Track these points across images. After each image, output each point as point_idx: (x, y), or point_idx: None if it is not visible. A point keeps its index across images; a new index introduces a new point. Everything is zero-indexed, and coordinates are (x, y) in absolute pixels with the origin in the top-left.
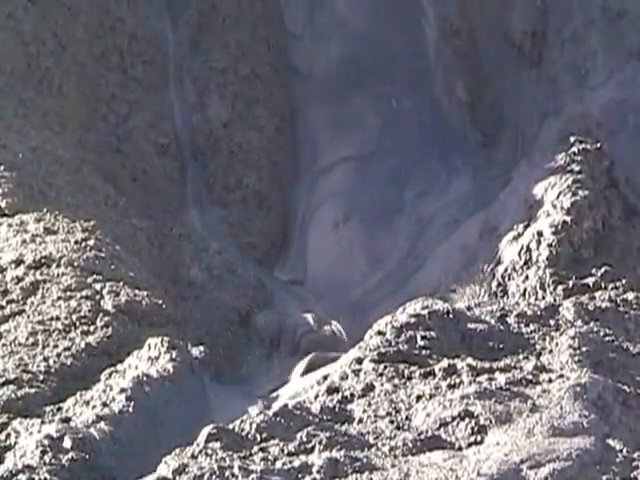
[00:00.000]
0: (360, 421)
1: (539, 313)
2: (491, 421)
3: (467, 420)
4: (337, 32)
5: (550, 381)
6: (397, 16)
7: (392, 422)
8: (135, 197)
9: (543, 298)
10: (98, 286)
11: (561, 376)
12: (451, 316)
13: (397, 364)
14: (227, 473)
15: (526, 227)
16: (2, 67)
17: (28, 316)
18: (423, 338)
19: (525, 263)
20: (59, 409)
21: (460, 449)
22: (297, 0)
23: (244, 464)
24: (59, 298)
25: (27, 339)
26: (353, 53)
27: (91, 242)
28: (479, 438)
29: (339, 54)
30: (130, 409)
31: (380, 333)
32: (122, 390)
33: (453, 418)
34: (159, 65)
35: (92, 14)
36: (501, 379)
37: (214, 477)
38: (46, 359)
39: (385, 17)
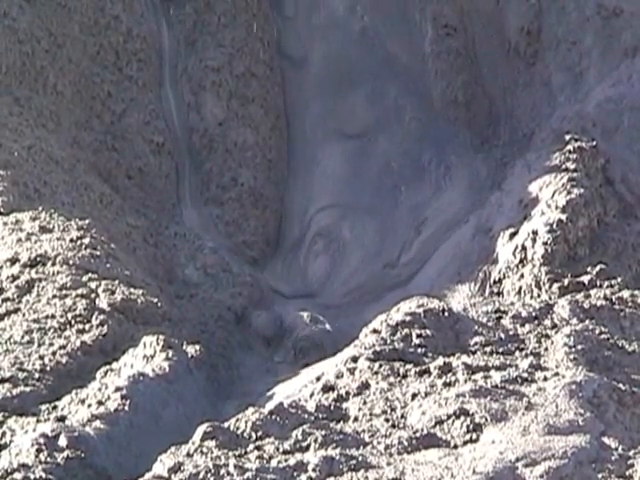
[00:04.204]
0: (355, 419)
1: (534, 313)
2: (486, 419)
3: (462, 418)
4: (333, 30)
5: (545, 379)
6: (393, 14)
7: (387, 420)
8: (130, 195)
9: (538, 296)
10: (93, 284)
11: (556, 374)
12: (446, 314)
13: (392, 362)
14: (222, 471)
15: (521, 226)
16: None
17: (23, 314)
18: (418, 336)
19: (520, 262)
20: (54, 407)
21: (455, 447)
22: None
23: (239, 462)
24: (54, 296)
25: (22, 337)
26: (349, 51)
27: (86, 240)
28: (474, 436)
29: (335, 52)
30: (125, 408)
31: (375, 331)
32: (117, 389)
33: (448, 416)
34: (154, 63)
35: (87, 13)
36: (496, 377)
37: (209, 475)
38: (41, 357)
39: (381, 15)
